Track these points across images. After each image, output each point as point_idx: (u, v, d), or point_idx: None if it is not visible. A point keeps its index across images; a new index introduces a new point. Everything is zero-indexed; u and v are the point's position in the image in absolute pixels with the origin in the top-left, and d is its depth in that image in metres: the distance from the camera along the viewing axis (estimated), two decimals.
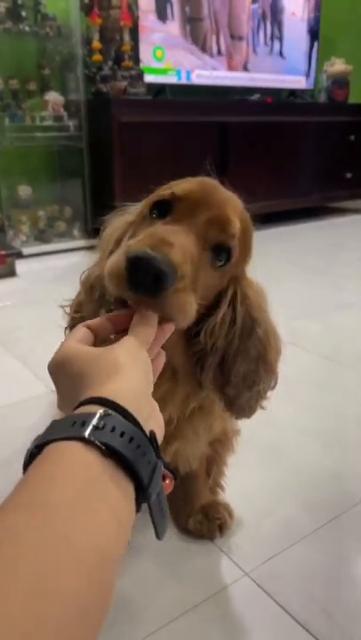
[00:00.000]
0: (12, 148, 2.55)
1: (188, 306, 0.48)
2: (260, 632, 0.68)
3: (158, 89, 2.89)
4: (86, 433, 0.33)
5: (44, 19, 2.51)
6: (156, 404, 0.42)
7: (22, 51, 2.55)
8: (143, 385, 0.40)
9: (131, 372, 0.40)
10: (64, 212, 2.78)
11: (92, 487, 0.31)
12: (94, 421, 0.33)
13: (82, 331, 0.46)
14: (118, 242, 0.58)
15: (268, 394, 0.65)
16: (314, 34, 3.49)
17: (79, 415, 0.34)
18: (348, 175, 3.53)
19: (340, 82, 3.50)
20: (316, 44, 3.51)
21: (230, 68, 3.15)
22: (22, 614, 0.24)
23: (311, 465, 1.00)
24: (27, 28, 2.45)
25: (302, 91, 3.56)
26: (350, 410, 1.21)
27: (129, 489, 0.33)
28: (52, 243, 2.65)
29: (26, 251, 2.49)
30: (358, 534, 0.84)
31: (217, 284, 0.56)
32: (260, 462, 1.01)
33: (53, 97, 2.57)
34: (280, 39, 3.34)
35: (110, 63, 2.68)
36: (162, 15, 2.78)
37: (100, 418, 0.34)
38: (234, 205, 0.55)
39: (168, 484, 0.39)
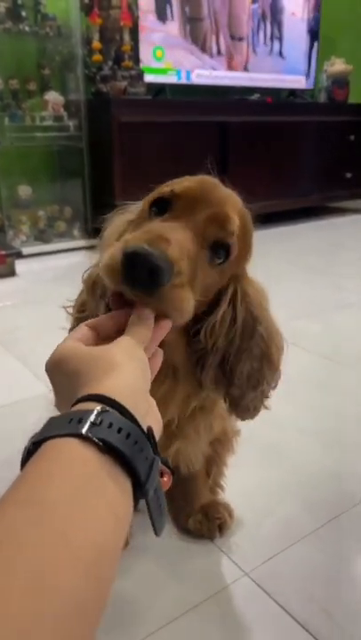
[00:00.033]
0: (12, 147, 2.55)
1: (185, 302, 0.47)
2: (260, 632, 0.68)
3: (158, 89, 2.89)
4: (83, 429, 0.32)
5: (44, 19, 2.51)
6: (153, 401, 0.42)
7: (22, 51, 2.55)
8: (140, 382, 0.40)
9: (127, 369, 0.39)
10: (64, 212, 2.78)
11: (89, 483, 0.31)
12: (91, 418, 0.33)
13: (82, 330, 0.46)
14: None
15: (271, 393, 0.65)
16: (314, 34, 3.49)
17: (76, 412, 0.34)
18: (348, 175, 3.53)
19: (340, 82, 3.50)
20: (316, 43, 3.52)
21: (230, 67, 3.15)
22: (20, 611, 0.23)
23: (311, 465, 1.00)
24: (27, 28, 2.45)
25: (302, 91, 3.56)
26: (350, 410, 1.20)
27: (126, 485, 0.33)
28: (52, 243, 2.65)
29: (26, 251, 2.49)
30: (358, 534, 0.84)
31: (216, 281, 0.55)
32: (259, 462, 1.00)
33: (53, 97, 2.57)
34: (280, 39, 3.34)
35: (110, 63, 2.68)
36: (162, 15, 2.79)
37: (98, 414, 0.34)
38: (233, 203, 0.54)
39: (166, 481, 0.39)
